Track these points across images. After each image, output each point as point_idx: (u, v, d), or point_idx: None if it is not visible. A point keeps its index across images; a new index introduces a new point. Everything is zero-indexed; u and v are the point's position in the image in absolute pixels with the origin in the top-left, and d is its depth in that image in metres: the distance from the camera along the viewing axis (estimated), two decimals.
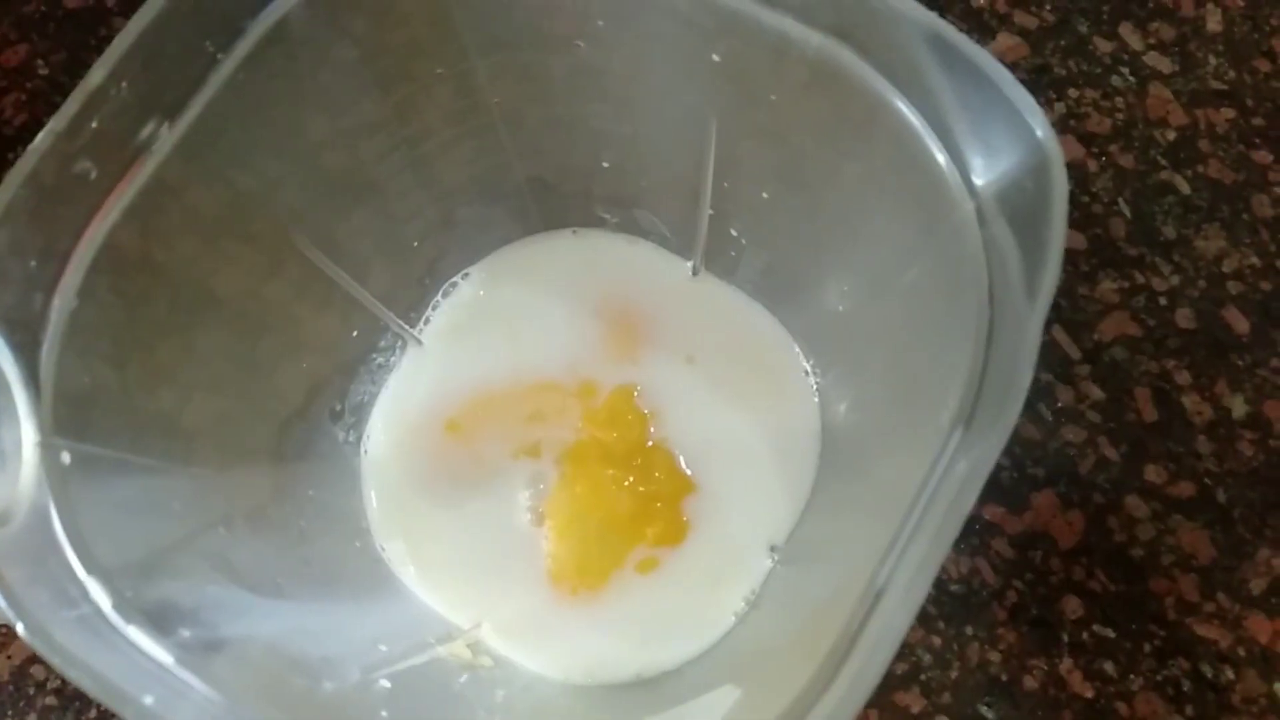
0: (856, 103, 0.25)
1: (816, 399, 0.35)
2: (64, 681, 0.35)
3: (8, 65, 0.41)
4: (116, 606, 0.24)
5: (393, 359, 0.36)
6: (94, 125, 0.25)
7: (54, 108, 0.25)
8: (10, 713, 0.34)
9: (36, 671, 0.35)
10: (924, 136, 0.24)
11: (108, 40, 0.25)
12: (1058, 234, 0.21)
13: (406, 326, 0.36)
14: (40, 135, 0.25)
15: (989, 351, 0.23)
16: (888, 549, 0.23)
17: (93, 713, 0.34)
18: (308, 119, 0.29)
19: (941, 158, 0.24)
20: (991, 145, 0.23)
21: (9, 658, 0.35)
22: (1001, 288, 0.23)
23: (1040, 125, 0.22)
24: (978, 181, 0.23)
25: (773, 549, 0.33)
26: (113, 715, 0.33)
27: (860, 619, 0.22)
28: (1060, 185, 0.21)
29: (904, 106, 0.24)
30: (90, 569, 0.24)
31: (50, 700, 0.35)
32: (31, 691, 0.35)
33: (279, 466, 0.33)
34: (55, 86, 0.41)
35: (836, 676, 0.21)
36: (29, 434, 0.25)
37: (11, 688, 0.35)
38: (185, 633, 0.25)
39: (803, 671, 0.22)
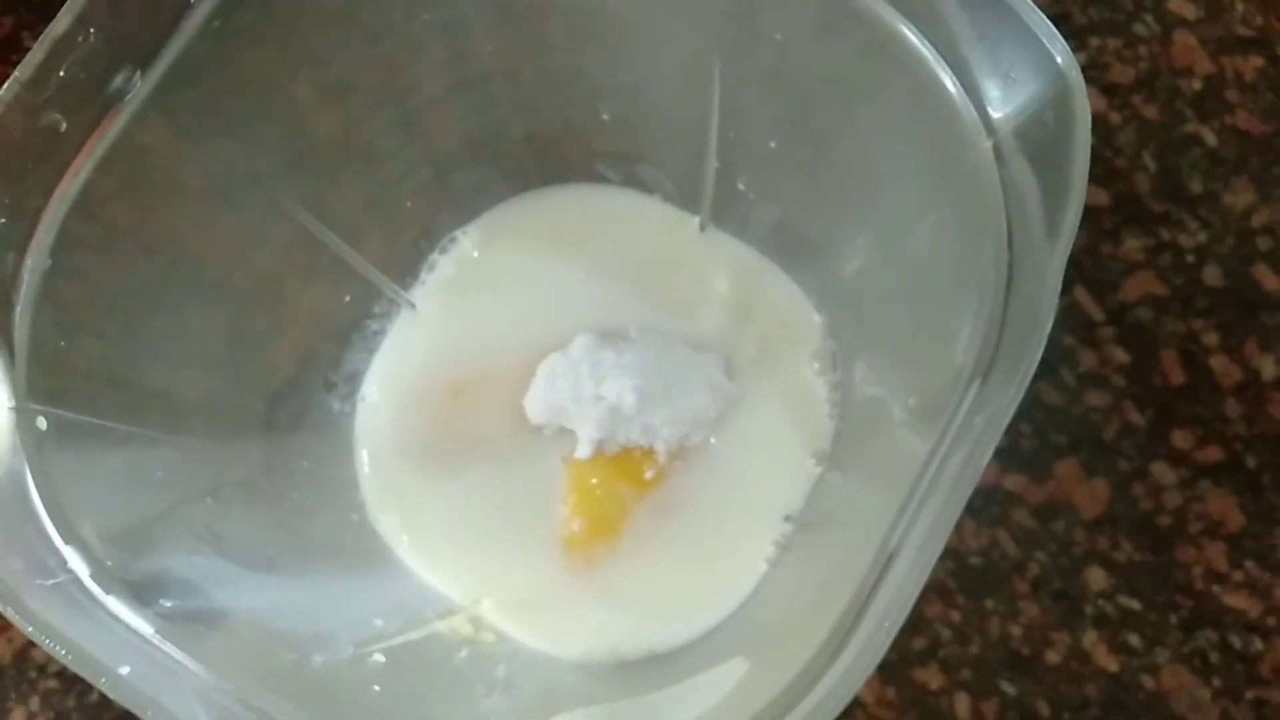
0: (866, 36, 0.23)
1: (832, 358, 0.34)
2: None
3: None
4: (95, 576, 0.23)
5: (388, 325, 0.35)
6: (61, 74, 0.24)
7: None
8: (13, 695, 0.34)
9: (37, 655, 0.34)
10: (937, 69, 0.23)
11: None
12: (1080, 169, 0.20)
13: (401, 290, 0.35)
14: (4, 86, 0.24)
15: (1008, 299, 0.22)
16: (901, 510, 0.21)
17: (94, 695, 0.34)
18: (289, 71, 0.28)
19: (956, 92, 0.22)
20: (1009, 75, 0.22)
21: (9, 640, 0.34)
22: (1021, 231, 0.22)
23: (1061, 52, 0.21)
24: (995, 116, 0.22)
25: (787, 517, 0.32)
26: None
27: (871, 584, 0.21)
28: (1083, 115, 0.20)
29: (915, 37, 0.23)
30: (68, 537, 0.24)
31: (52, 684, 0.34)
32: (33, 675, 0.34)
33: (270, 437, 0.32)
34: None
35: (846, 644, 0.20)
36: (2, 398, 0.24)
37: (13, 671, 0.34)
38: (168, 604, 0.24)
39: (813, 639, 0.21)
